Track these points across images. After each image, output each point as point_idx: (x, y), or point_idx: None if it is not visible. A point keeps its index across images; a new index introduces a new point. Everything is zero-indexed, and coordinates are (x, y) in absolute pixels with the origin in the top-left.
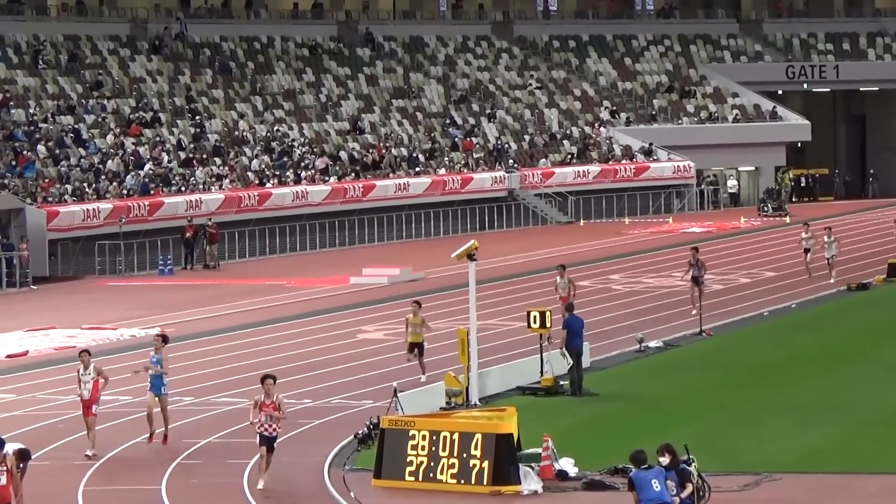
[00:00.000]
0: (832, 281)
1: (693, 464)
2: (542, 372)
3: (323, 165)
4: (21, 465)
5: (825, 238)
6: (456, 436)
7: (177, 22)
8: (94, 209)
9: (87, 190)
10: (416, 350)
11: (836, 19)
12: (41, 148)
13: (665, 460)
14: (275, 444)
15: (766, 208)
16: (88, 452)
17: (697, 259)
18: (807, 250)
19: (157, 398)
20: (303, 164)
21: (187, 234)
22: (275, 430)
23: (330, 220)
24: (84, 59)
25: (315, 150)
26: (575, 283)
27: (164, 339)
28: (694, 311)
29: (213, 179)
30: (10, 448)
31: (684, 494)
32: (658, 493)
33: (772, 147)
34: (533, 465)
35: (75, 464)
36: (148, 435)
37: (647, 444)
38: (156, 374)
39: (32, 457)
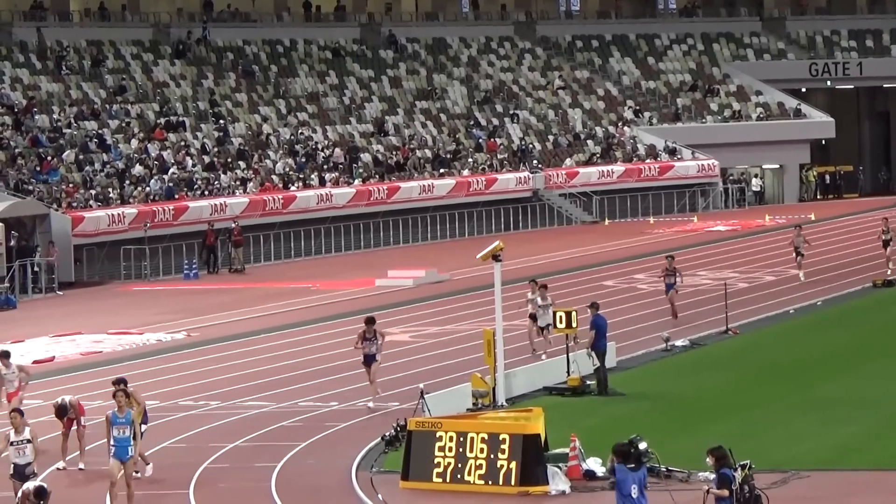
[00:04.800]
0: (543, 354)
1: (741, 470)
2: (568, 372)
3: (342, 159)
4: None
5: (538, 300)
6: (483, 437)
7: (200, 25)
8: (118, 214)
9: (111, 195)
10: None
11: (859, 16)
12: (66, 153)
13: (708, 462)
14: None
15: None
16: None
17: (375, 331)
18: (534, 317)
19: (122, 465)
20: (326, 166)
21: (211, 239)
22: None
23: (355, 223)
24: (107, 64)
25: (340, 151)
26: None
27: (126, 394)
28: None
29: (238, 183)
30: (29, 486)
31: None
32: (635, 499)
33: (796, 145)
34: (560, 465)
35: (103, 469)
36: None
37: (675, 443)
38: (123, 437)
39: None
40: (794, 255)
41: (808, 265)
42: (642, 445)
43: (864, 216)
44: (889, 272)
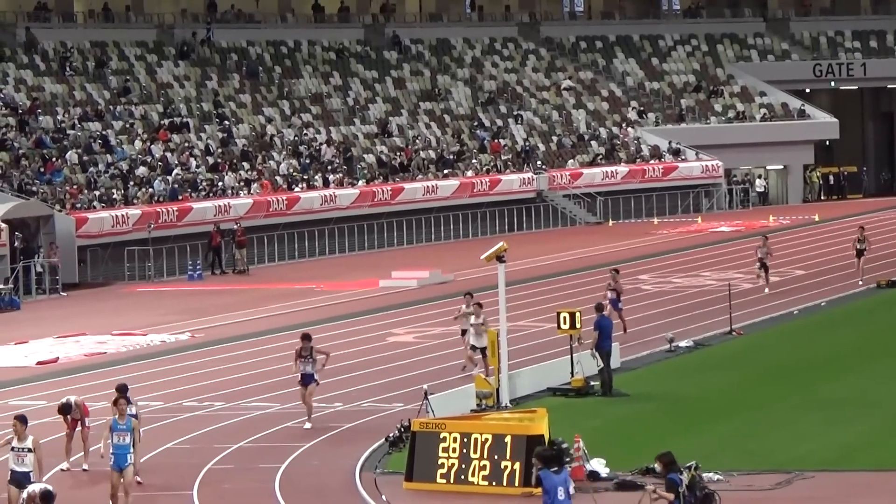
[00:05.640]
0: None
1: (687, 472)
2: (572, 373)
3: (332, 155)
4: None
5: (472, 318)
6: (487, 438)
7: (204, 27)
8: (122, 215)
9: (115, 196)
10: None
11: (862, 17)
12: (69, 154)
13: (657, 468)
14: None
15: None
16: (85, 466)
17: (311, 349)
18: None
19: (121, 474)
20: (330, 167)
21: (217, 240)
22: None
23: (359, 224)
24: (111, 65)
25: (343, 152)
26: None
27: (126, 398)
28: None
29: (242, 184)
30: (34, 488)
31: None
32: (562, 501)
33: (800, 145)
34: None
35: (106, 470)
36: None
37: (678, 444)
38: (123, 444)
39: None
40: (757, 266)
41: (811, 266)
42: (564, 447)
43: (868, 217)
44: (860, 282)
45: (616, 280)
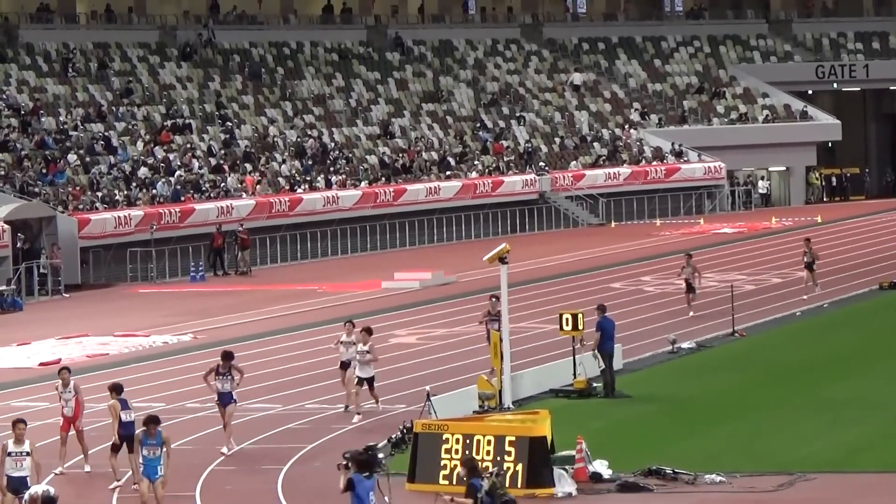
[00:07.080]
0: (358, 416)
1: (488, 479)
2: (574, 374)
3: (313, 150)
4: None
5: (360, 346)
6: (489, 439)
7: (205, 28)
8: (125, 216)
9: (118, 197)
10: None
11: (865, 18)
12: (72, 156)
13: (462, 472)
14: None
15: None
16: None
17: (230, 367)
18: (344, 365)
19: (152, 485)
20: (332, 168)
21: (218, 241)
22: None
23: (361, 225)
24: (114, 66)
25: (347, 154)
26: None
27: (156, 420)
28: None
29: (244, 185)
30: (37, 490)
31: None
32: None
33: (802, 147)
34: (567, 467)
35: (107, 472)
36: None
37: (680, 446)
38: (154, 457)
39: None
40: (684, 288)
41: (816, 268)
42: (380, 457)
43: (870, 218)
44: (818, 290)
45: (495, 308)
